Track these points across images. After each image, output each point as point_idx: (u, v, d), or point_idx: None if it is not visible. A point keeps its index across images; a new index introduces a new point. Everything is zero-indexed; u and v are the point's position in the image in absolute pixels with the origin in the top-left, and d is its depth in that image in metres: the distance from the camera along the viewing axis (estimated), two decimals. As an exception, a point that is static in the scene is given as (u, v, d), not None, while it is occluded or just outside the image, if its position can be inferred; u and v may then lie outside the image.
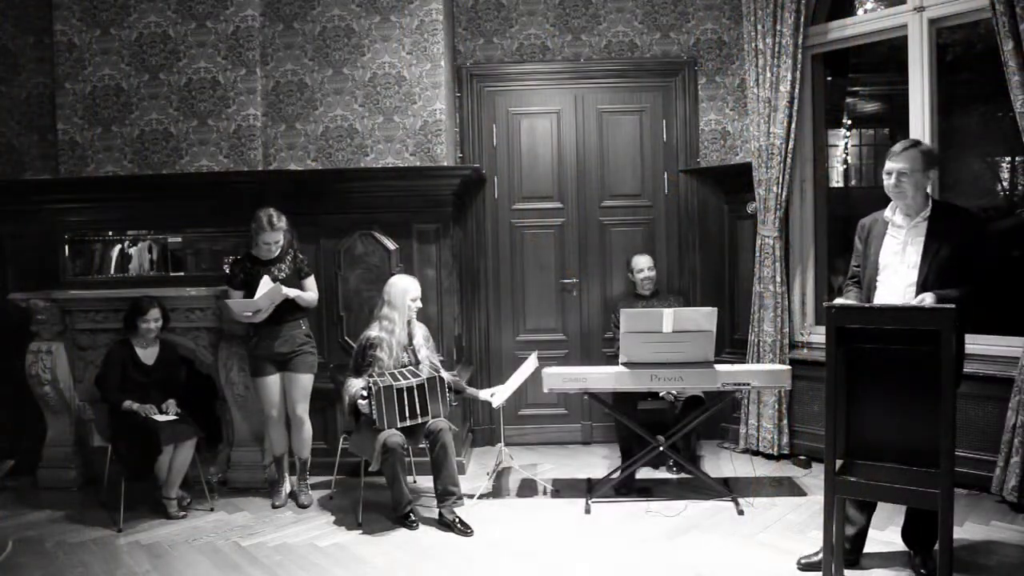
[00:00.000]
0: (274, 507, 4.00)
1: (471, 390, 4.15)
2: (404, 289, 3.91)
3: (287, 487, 4.13)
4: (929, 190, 2.98)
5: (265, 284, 3.83)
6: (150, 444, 3.75)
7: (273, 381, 4.02)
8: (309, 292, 4.06)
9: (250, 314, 3.86)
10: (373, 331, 3.87)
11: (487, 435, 5.12)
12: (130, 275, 4.63)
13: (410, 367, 3.83)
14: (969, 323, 2.94)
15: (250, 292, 3.87)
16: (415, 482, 4.31)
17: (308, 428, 4.11)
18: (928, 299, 2.70)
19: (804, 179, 4.76)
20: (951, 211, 2.92)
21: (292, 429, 4.10)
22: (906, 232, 2.92)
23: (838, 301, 2.92)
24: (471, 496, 4.01)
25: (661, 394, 4.35)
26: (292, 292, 3.93)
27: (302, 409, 4.07)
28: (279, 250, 3.99)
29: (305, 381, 4.05)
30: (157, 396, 3.94)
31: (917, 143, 2.93)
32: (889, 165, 2.89)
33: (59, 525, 3.83)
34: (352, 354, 3.98)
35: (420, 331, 4.01)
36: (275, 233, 3.91)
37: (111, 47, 4.59)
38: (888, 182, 2.90)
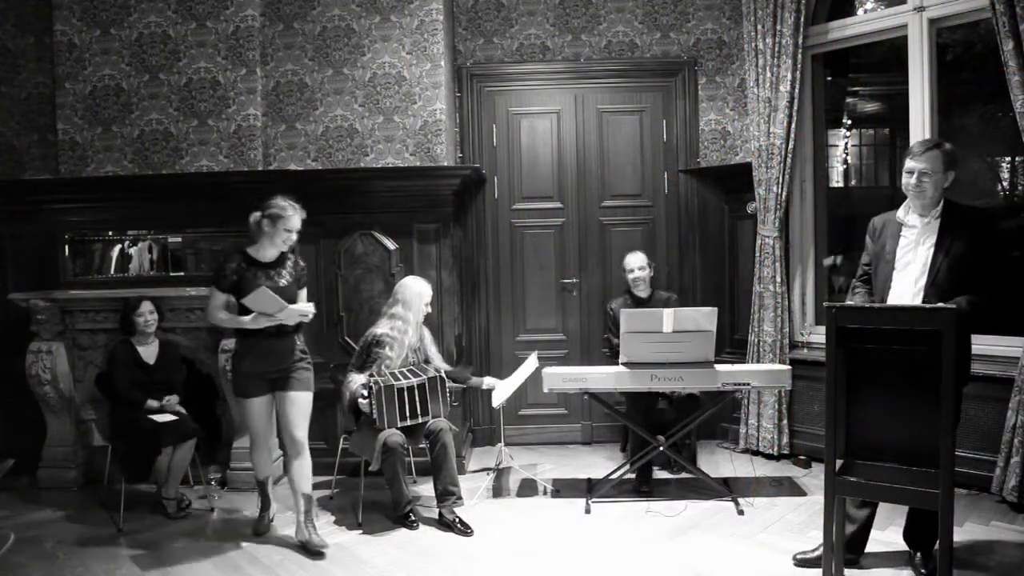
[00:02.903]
0: (257, 534, 3.62)
1: (474, 379, 4.18)
2: (419, 292, 3.91)
3: (272, 511, 3.76)
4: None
5: (263, 295, 3.30)
6: (149, 444, 3.75)
7: (262, 404, 3.50)
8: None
9: (270, 313, 3.34)
10: (381, 328, 3.86)
11: (487, 435, 5.12)
12: (130, 275, 4.63)
13: (412, 367, 3.83)
14: (977, 325, 2.94)
15: (239, 298, 3.41)
16: (415, 482, 4.31)
17: (308, 456, 3.55)
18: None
19: (804, 179, 4.76)
20: (964, 210, 2.91)
21: (289, 458, 3.51)
22: (919, 231, 2.92)
23: (848, 302, 2.91)
24: (472, 495, 4.01)
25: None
26: (309, 309, 3.48)
27: (302, 432, 3.51)
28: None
29: (304, 401, 3.53)
30: (159, 395, 3.95)
31: (939, 144, 2.88)
32: (910, 164, 2.86)
33: (59, 525, 3.83)
34: (355, 350, 3.97)
35: (427, 332, 4.03)
36: (299, 218, 3.46)
37: (111, 47, 4.59)
38: (908, 181, 2.87)
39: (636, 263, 4.48)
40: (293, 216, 3.42)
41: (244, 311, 3.41)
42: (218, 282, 3.44)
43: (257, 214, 3.44)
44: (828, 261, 5.04)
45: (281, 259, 3.53)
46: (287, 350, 3.50)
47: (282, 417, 3.52)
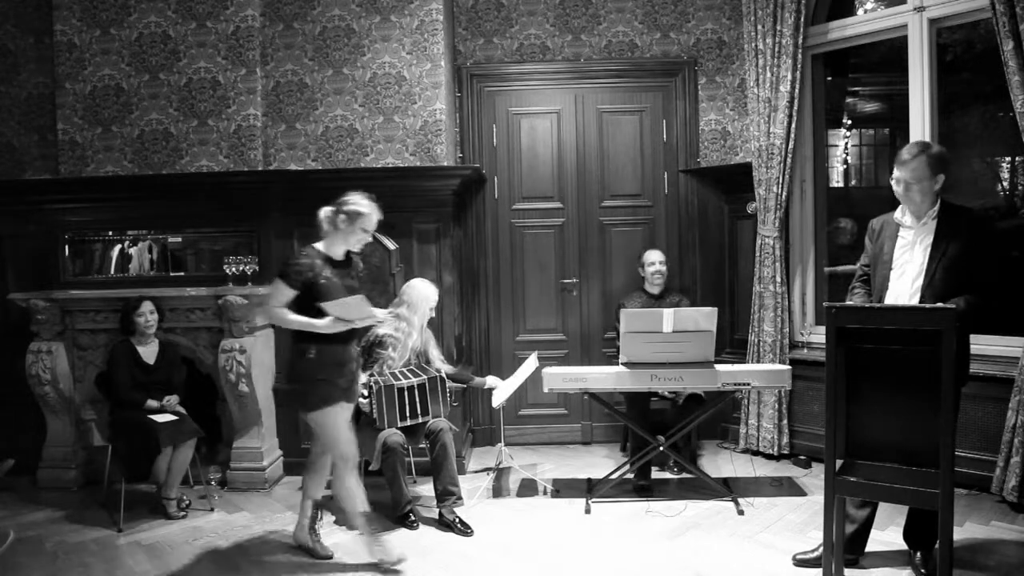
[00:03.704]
0: (319, 557, 3.37)
1: (476, 379, 4.17)
2: (426, 296, 3.92)
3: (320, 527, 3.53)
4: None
5: (355, 302, 3.08)
6: (149, 444, 3.76)
7: (344, 410, 3.22)
8: None
9: (353, 317, 3.10)
10: (384, 328, 3.86)
11: (487, 435, 5.12)
12: (130, 275, 4.63)
13: (412, 367, 3.83)
14: (976, 325, 2.94)
15: (307, 297, 3.07)
16: (415, 482, 4.30)
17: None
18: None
19: (804, 179, 4.76)
20: (959, 211, 2.92)
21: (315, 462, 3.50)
22: (915, 232, 2.93)
23: (848, 302, 2.92)
24: (472, 495, 4.01)
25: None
26: (383, 315, 3.27)
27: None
28: None
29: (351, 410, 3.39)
30: (159, 395, 3.95)
31: (926, 148, 2.88)
32: (897, 173, 2.89)
33: (59, 525, 3.83)
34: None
35: (430, 334, 4.03)
36: (376, 217, 3.21)
37: (111, 47, 4.59)
38: (896, 189, 2.91)
39: (657, 257, 4.60)
40: (372, 215, 3.18)
41: (304, 309, 3.08)
42: (288, 277, 3.06)
43: (330, 209, 3.17)
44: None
45: (348, 258, 3.28)
46: (355, 357, 3.31)
47: None
